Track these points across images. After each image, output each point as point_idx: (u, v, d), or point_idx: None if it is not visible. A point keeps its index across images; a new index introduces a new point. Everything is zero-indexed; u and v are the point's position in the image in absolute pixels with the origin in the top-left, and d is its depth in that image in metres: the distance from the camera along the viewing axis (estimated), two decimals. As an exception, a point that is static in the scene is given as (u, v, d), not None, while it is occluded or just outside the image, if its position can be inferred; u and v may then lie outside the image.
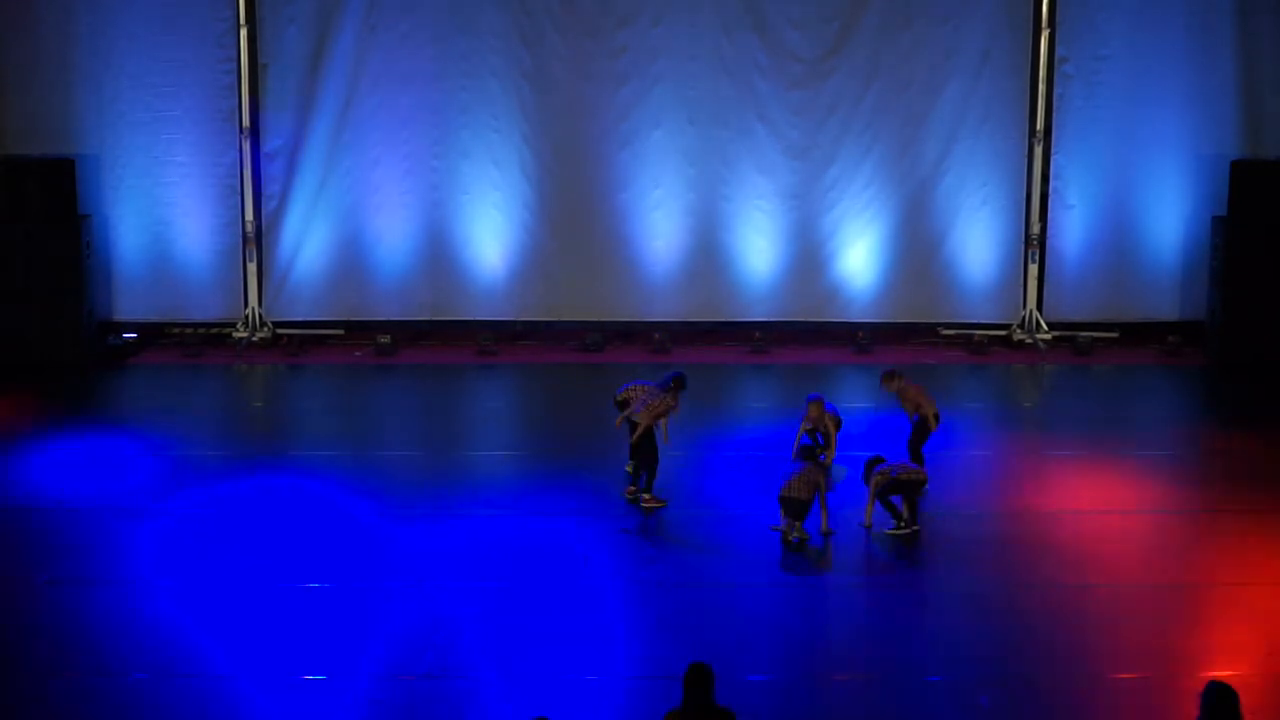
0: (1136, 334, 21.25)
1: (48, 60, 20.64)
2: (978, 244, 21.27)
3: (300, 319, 21.34)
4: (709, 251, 21.25)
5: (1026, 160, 21.10)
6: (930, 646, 11.29)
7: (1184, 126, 20.95)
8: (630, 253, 21.26)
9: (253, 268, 21.15)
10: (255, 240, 21.08)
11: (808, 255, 21.25)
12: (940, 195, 21.15)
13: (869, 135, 21.05)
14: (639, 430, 14.18)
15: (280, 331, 21.19)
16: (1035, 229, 21.18)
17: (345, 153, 21.00)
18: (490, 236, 21.22)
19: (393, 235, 21.20)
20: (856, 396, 15.63)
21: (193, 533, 13.65)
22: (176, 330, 21.30)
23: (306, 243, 21.21)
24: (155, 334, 21.17)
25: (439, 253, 21.21)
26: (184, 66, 20.70)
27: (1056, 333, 21.18)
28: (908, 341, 20.96)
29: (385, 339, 20.73)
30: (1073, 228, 21.23)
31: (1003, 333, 21.28)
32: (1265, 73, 20.83)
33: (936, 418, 14.62)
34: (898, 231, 21.24)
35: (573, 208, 21.22)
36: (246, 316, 21.18)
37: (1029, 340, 21.15)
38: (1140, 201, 21.18)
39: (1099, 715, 10.36)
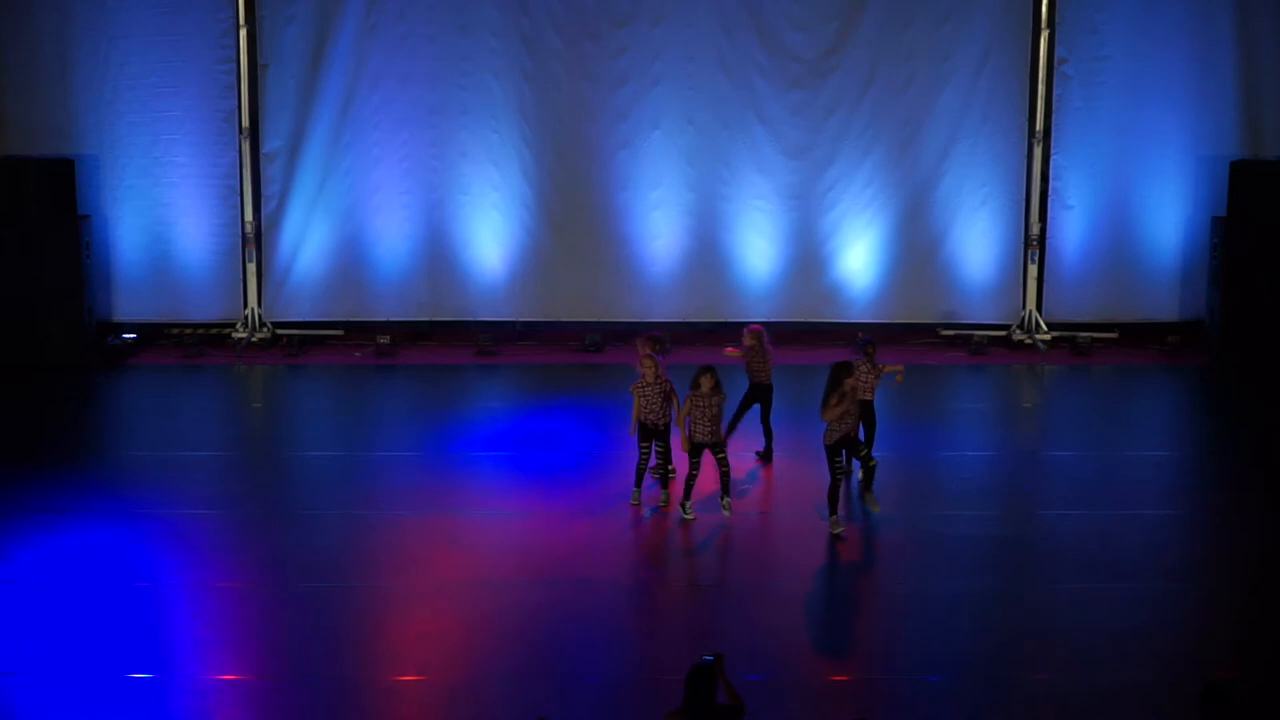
0: (1136, 334, 21.24)
1: (48, 60, 20.65)
2: (977, 244, 21.27)
3: (300, 319, 21.34)
4: (709, 251, 21.25)
5: (1026, 160, 21.09)
6: (930, 646, 11.29)
7: (1184, 127, 20.96)
8: (630, 253, 21.26)
9: (252, 268, 21.15)
10: (255, 240, 21.08)
11: (807, 256, 21.25)
12: (940, 196, 21.15)
13: (869, 135, 21.06)
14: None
15: (280, 332, 21.18)
16: (1035, 229, 21.17)
17: (345, 153, 21.01)
18: (490, 237, 21.22)
19: (392, 236, 21.20)
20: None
21: (191, 534, 13.67)
22: (176, 330, 21.29)
23: (306, 243, 21.21)
24: (155, 334, 21.17)
25: (438, 253, 21.21)
26: (184, 66, 20.71)
27: (1056, 333, 21.18)
28: (907, 342, 20.95)
29: (385, 339, 20.73)
30: (1072, 228, 21.23)
31: (1002, 333, 21.29)
32: (1265, 73, 20.83)
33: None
34: (897, 232, 21.24)
35: (572, 208, 21.22)
36: (246, 317, 21.18)
37: (1029, 341, 21.15)
38: (1140, 202, 21.18)
39: (1098, 715, 10.35)
